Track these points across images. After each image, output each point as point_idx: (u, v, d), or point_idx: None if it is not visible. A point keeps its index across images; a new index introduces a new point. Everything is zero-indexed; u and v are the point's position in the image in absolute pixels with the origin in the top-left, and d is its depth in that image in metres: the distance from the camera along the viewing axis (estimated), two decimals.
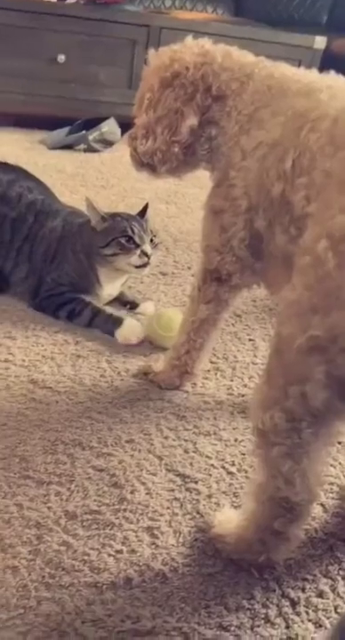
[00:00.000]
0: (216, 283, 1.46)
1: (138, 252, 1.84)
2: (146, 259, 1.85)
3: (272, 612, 1.06)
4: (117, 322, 1.81)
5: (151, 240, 1.88)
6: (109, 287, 1.95)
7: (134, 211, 1.98)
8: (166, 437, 1.43)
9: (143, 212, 1.96)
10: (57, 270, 1.90)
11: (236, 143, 1.32)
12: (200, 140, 1.44)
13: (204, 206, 1.44)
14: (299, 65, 1.35)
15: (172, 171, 1.51)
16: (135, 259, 1.84)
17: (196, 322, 1.53)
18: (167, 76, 1.41)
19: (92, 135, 3.77)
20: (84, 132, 3.79)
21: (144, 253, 1.84)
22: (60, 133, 3.81)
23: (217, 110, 1.38)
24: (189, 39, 1.47)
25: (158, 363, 1.66)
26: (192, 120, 1.40)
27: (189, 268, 2.30)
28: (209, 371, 1.71)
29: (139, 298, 2.05)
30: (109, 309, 1.88)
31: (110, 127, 3.83)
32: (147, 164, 1.51)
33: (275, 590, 1.10)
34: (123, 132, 3.78)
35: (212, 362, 1.75)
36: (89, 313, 1.83)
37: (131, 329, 1.80)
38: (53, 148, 3.70)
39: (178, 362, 1.59)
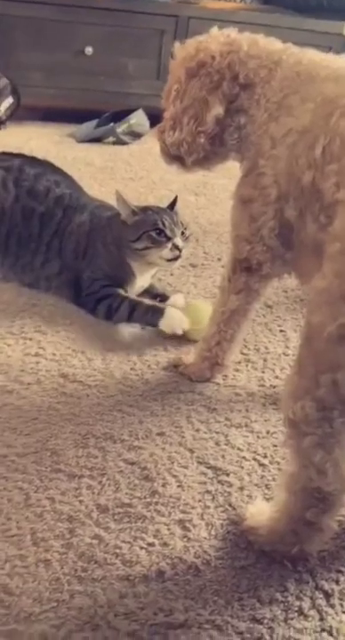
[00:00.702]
0: (246, 273, 1.45)
1: (169, 245, 1.83)
2: (177, 252, 1.84)
3: (306, 605, 1.05)
4: (159, 312, 1.79)
5: (182, 233, 1.88)
6: (141, 279, 1.94)
7: (164, 203, 1.98)
8: (197, 430, 1.43)
9: (173, 205, 1.96)
10: (90, 266, 1.90)
11: (266, 131, 1.31)
12: (229, 130, 1.43)
13: (234, 196, 1.43)
14: (329, 52, 1.33)
15: (200, 162, 1.50)
16: (167, 252, 1.84)
17: (227, 313, 1.52)
18: (193, 65, 1.41)
19: (121, 127, 3.77)
20: (112, 124, 3.78)
21: (175, 246, 1.84)
22: (89, 126, 3.81)
23: (245, 98, 1.37)
24: (215, 29, 1.46)
25: (189, 355, 1.65)
26: (217, 109, 1.39)
27: (220, 259, 2.29)
28: (240, 362, 1.71)
29: (169, 290, 2.05)
30: (147, 300, 1.87)
31: (139, 119, 3.83)
32: (176, 156, 1.51)
33: (308, 582, 1.10)
34: (151, 124, 3.78)
35: (242, 353, 1.74)
36: (127, 307, 1.82)
37: (175, 318, 1.78)
38: (82, 141, 3.71)
39: (208, 353, 1.59)
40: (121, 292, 1.87)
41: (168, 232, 1.84)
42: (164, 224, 1.84)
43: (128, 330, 1.81)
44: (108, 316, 1.83)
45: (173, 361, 1.67)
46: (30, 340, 1.72)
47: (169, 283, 2.11)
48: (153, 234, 1.83)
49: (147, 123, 3.84)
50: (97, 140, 3.73)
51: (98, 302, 1.85)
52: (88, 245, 1.93)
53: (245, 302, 1.51)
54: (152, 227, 1.84)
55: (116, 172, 3.18)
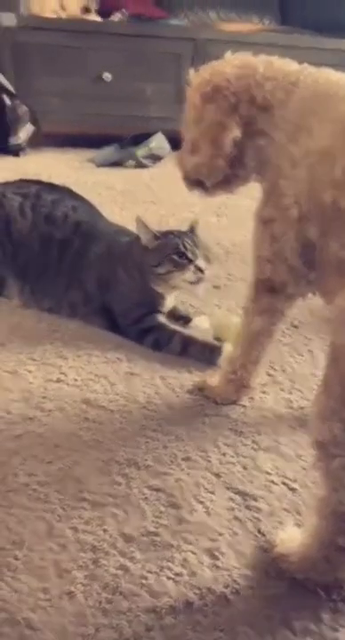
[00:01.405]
0: (270, 293, 1.44)
1: (191, 267, 1.83)
2: (200, 274, 1.83)
3: (342, 636, 1.01)
4: (216, 350, 1.78)
5: (205, 255, 1.87)
6: (168, 300, 1.95)
7: (185, 225, 1.97)
8: (224, 454, 1.41)
9: (193, 228, 1.95)
10: (117, 296, 1.90)
11: (285, 152, 1.31)
12: (248, 152, 1.42)
13: (255, 217, 1.42)
14: None
15: (221, 185, 1.50)
16: (189, 275, 1.83)
17: (251, 334, 1.51)
18: (208, 90, 1.41)
19: (141, 151, 3.80)
20: (132, 148, 3.81)
21: (198, 269, 1.83)
22: (109, 151, 3.84)
23: (264, 121, 1.37)
24: (229, 54, 1.46)
25: (213, 377, 1.64)
26: (235, 132, 1.38)
27: (243, 280, 2.26)
28: (266, 384, 1.68)
29: (192, 312, 2.03)
30: (198, 334, 1.86)
31: (158, 142, 3.85)
32: (197, 181, 1.50)
33: (344, 612, 1.06)
34: (171, 147, 3.80)
35: (269, 374, 1.72)
36: (179, 342, 1.81)
37: None
38: (102, 165, 3.73)
39: (234, 376, 1.57)
40: (163, 319, 1.88)
41: (190, 254, 1.83)
42: (185, 247, 1.83)
43: (151, 352, 1.80)
44: (156, 347, 1.83)
45: (198, 384, 1.65)
46: (52, 365, 1.71)
47: (192, 304, 2.10)
48: (175, 257, 1.83)
49: (167, 146, 3.86)
50: (117, 164, 3.75)
51: (144, 333, 1.84)
52: (110, 274, 1.92)
53: (270, 323, 1.49)
54: (174, 250, 1.83)
55: (136, 195, 3.19)
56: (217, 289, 2.22)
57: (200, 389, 1.63)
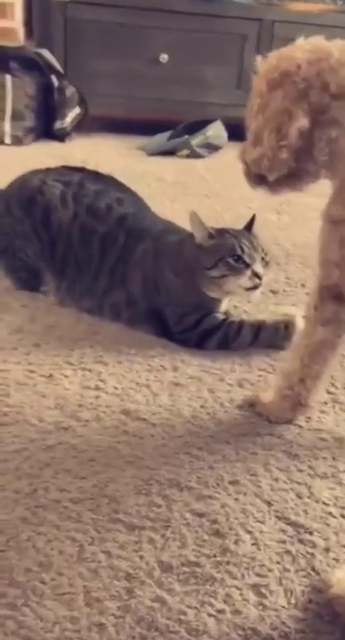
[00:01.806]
0: (336, 301, 1.42)
1: (248, 272, 1.82)
2: (257, 280, 1.82)
3: None
4: (291, 324, 1.84)
5: (262, 258, 1.86)
6: (223, 304, 1.95)
7: (242, 222, 1.96)
8: (276, 479, 1.39)
9: (250, 225, 1.93)
10: (169, 300, 1.89)
11: None
12: (319, 144, 1.40)
13: (323, 216, 1.41)
14: None
15: (288, 182, 1.49)
16: (245, 280, 1.82)
17: (312, 346, 1.49)
18: (275, 76, 1.40)
19: (196, 139, 3.80)
20: (186, 136, 3.81)
21: (255, 274, 1.82)
22: (161, 138, 3.84)
23: (338, 109, 1.36)
24: (301, 40, 1.45)
25: (267, 392, 1.62)
26: (302, 121, 1.37)
27: (304, 285, 2.26)
28: (326, 403, 1.66)
29: (246, 318, 2.00)
30: (266, 317, 1.91)
31: (216, 130, 3.85)
32: (260, 177, 1.49)
33: None
34: (230, 136, 3.78)
35: (329, 392, 1.70)
36: (249, 330, 1.85)
37: None
38: (153, 154, 3.75)
39: (290, 392, 1.55)
40: (223, 315, 1.90)
41: (247, 258, 1.82)
42: (242, 249, 1.82)
43: (199, 362, 1.79)
44: (224, 345, 1.85)
45: (250, 399, 1.64)
46: (90, 371, 1.71)
47: (246, 310, 2.08)
48: (230, 260, 1.81)
49: (225, 135, 3.86)
50: (169, 152, 3.76)
51: (207, 336, 1.85)
52: (157, 276, 1.91)
53: (334, 335, 1.47)
54: (229, 252, 1.82)
55: (189, 187, 3.19)
56: (274, 294, 2.21)
57: (251, 405, 1.62)
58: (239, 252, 1.82)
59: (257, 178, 1.50)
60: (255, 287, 1.83)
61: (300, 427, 1.57)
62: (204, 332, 1.85)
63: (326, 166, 1.43)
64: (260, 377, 1.76)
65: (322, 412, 1.63)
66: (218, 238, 1.85)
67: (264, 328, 1.85)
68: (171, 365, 1.76)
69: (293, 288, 2.25)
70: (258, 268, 1.82)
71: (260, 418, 1.59)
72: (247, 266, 1.82)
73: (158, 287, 1.90)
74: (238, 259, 1.81)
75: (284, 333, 1.84)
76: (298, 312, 1.86)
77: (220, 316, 1.89)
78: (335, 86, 1.34)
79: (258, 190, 1.54)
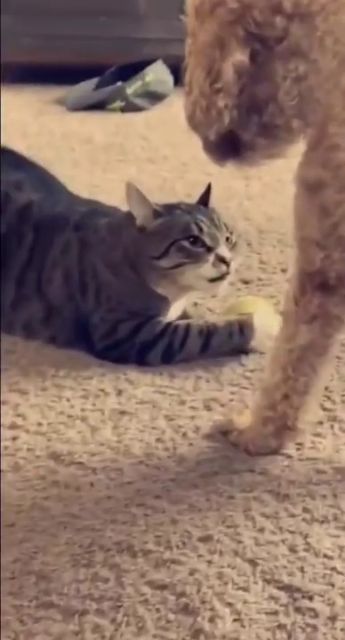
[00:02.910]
0: (321, 292, 1.43)
1: (211, 258, 1.83)
2: (224, 267, 1.83)
3: None
4: (247, 324, 1.84)
5: (227, 238, 1.87)
6: (175, 308, 1.95)
7: (198, 194, 1.96)
8: (261, 530, 1.38)
9: (206, 198, 1.95)
10: (100, 305, 1.90)
11: (337, 84, 1.32)
12: (283, 85, 1.39)
13: (295, 181, 1.42)
14: None
15: (262, 146, 1.48)
16: (208, 269, 1.83)
17: (296, 351, 1.49)
18: (205, 4, 1.39)
19: (132, 87, 3.82)
20: (119, 83, 3.82)
21: (221, 259, 1.83)
22: (86, 88, 3.85)
23: (301, 36, 1.35)
24: None
25: (243, 415, 1.63)
26: (237, 56, 1.35)
27: (284, 270, 2.25)
28: (321, 422, 1.67)
29: (211, 319, 2.02)
30: (219, 318, 1.93)
31: (157, 74, 3.87)
32: (224, 146, 1.48)
33: None
34: (177, 80, 3.78)
35: (325, 409, 1.71)
36: (197, 336, 1.85)
37: (269, 325, 1.80)
38: (76, 108, 3.75)
39: (272, 412, 1.55)
40: (165, 321, 1.90)
41: (207, 239, 1.83)
42: (200, 228, 1.83)
43: (150, 380, 1.80)
44: (167, 358, 1.86)
45: (221, 425, 1.65)
46: (4, 404, 1.71)
47: (210, 309, 2.10)
48: (185, 244, 1.82)
49: (169, 79, 3.88)
50: (98, 106, 3.77)
51: (147, 348, 1.86)
52: (85, 274, 1.92)
53: (323, 335, 1.48)
54: (183, 234, 1.83)
55: (127, 150, 3.21)
56: (246, 284, 2.22)
57: (224, 433, 1.63)
58: (196, 231, 1.82)
59: (219, 148, 1.49)
60: (222, 277, 1.84)
61: (290, 457, 1.57)
62: (143, 345, 1.85)
63: (295, 114, 1.42)
64: (233, 395, 1.76)
65: (316, 435, 1.63)
66: (166, 216, 1.86)
67: (215, 332, 1.84)
68: (113, 388, 1.77)
69: (270, 275, 2.27)
70: (223, 251, 1.83)
71: (237, 449, 1.59)
72: (209, 250, 1.82)
73: (86, 288, 1.91)
74: (196, 241, 1.82)
75: (239, 338, 1.84)
76: (259, 304, 1.90)
77: (162, 322, 1.89)
78: (290, 4, 1.33)
79: (226, 166, 1.56)
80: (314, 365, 1.50)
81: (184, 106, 1.49)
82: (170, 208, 1.88)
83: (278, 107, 1.41)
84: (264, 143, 1.47)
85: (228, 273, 1.84)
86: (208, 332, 1.84)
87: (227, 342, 1.84)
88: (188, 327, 1.86)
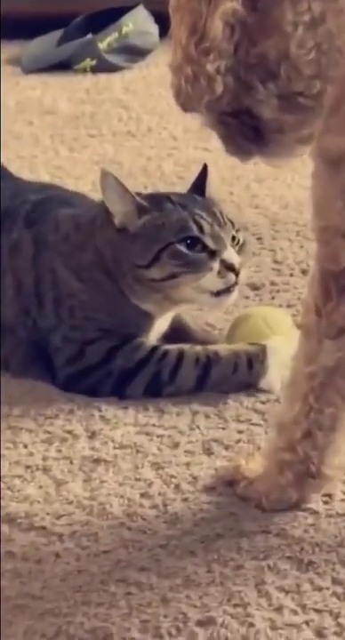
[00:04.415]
0: None
1: (215, 265, 1.83)
2: (232, 276, 1.84)
3: None
4: (259, 354, 1.83)
5: (233, 238, 1.88)
6: (160, 323, 1.97)
7: (192, 177, 1.96)
8: (279, 609, 1.37)
9: (201, 183, 1.96)
10: (61, 318, 1.91)
11: None
12: (295, 34, 1.39)
13: (313, 154, 1.43)
14: None
15: (292, 129, 1.48)
16: (212, 279, 1.84)
17: (319, 374, 1.49)
18: None
19: (106, 41, 3.82)
20: (89, 35, 3.82)
21: (228, 267, 1.83)
22: (47, 43, 3.85)
23: None
24: None
25: (254, 460, 1.64)
26: (228, 4, 1.35)
27: (304, 271, 2.28)
28: None
29: (213, 333, 2.05)
30: (221, 346, 1.91)
31: (138, 24, 3.89)
32: (240, 129, 1.49)
33: None
34: (163, 31, 3.78)
35: None
36: (192, 365, 1.85)
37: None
38: (34, 69, 3.76)
39: (291, 455, 1.55)
40: (151, 342, 1.91)
41: (210, 241, 1.83)
42: (200, 227, 1.84)
43: (133, 417, 1.81)
44: (153, 391, 1.86)
45: (225, 473, 1.65)
46: None
47: (209, 324, 2.11)
48: (182, 248, 1.83)
49: (154, 29, 3.89)
50: (62, 66, 3.77)
51: (125, 378, 1.86)
52: (40, 280, 1.92)
53: None
54: (179, 235, 1.83)
55: (100, 122, 3.22)
56: (256, 291, 2.24)
57: (230, 484, 1.63)
58: (195, 231, 1.83)
59: (237, 136, 1.49)
60: (229, 289, 1.84)
61: (315, 513, 1.57)
62: (121, 373, 1.85)
63: (317, 72, 1.42)
64: (241, 434, 1.76)
65: None
66: (154, 212, 1.86)
67: (217, 363, 1.84)
68: (84, 429, 1.77)
69: (287, 277, 2.28)
70: (231, 255, 1.83)
71: (246, 504, 1.59)
72: (212, 255, 1.83)
73: (42, 299, 1.91)
74: (195, 243, 1.83)
75: (246, 373, 1.83)
76: (274, 320, 1.89)
77: (145, 344, 1.89)
78: None
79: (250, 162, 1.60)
80: (342, 392, 1.50)
81: (171, 83, 1.49)
82: (158, 201, 1.89)
83: (293, 66, 1.41)
84: (292, 120, 1.47)
85: (236, 283, 1.84)
86: (207, 362, 1.84)
87: (230, 377, 1.83)
88: (181, 354, 1.85)
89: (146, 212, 1.85)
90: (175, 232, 1.82)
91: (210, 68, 1.38)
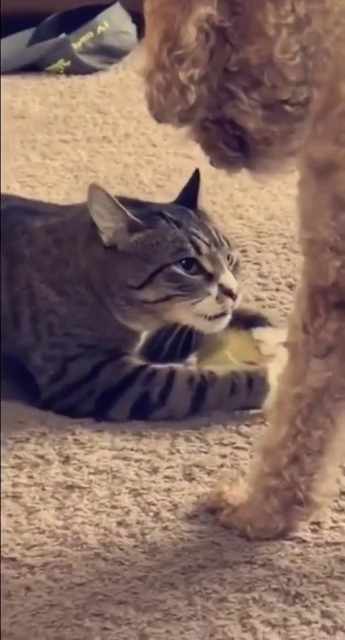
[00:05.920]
0: (338, 314, 1.44)
1: (213, 290, 1.84)
2: (230, 301, 1.85)
3: None
4: (260, 376, 1.83)
5: (227, 257, 1.89)
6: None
7: (180, 186, 1.96)
8: None
9: (192, 195, 1.97)
10: (39, 336, 1.91)
11: None
12: (279, 37, 1.40)
13: (299, 161, 1.45)
14: None
15: (280, 142, 1.50)
16: (210, 304, 1.85)
17: (307, 395, 1.49)
18: None
19: (80, 41, 3.83)
20: (63, 35, 3.83)
21: (226, 292, 1.84)
22: (16, 43, 3.86)
23: None
24: None
25: (238, 486, 1.64)
26: (202, 10, 1.37)
27: (291, 286, 2.29)
28: None
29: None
30: (218, 368, 1.90)
31: (114, 23, 3.89)
32: (225, 142, 1.52)
33: None
34: (140, 32, 3.80)
35: None
36: (186, 386, 1.85)
37: None
38: (4, 70, 3.75)
39: (278, 481, 1.55)
40: (133, 360, 1.90)
41: (207, 264, 1.85)
42: (197, 247, 1.85)
43: (109, 441, 1.81)
44: (141, 413, 1.86)
45: (208, 499, 1.66)
46: None
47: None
48: (178, 270, 1.83)
49: (131, 28, 3.90)
50: (34, 67, 3.78)
51: (109, 398, 1.86)
52: (15, 297, 1.92)
53: (342, 372, 1.48)
54: (175, 256, 1.84)
55: (74, 127, 3.21)
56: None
57: (213, 512, 1.63)
58: (193, 252, 1.83)
59: (222, 148, 1.51)
60: (224, 313, 1.85)
61: (303, 542, 1.57)
62: (105, 393, 1.85)
63: (303, 77, 1.43)
64: (224, 459, 1.76)
65: (340, 511, 1.64)
66: (147, 230, 1.86)
67: (212, 384, 1.84)
68: (57, 454, 1.77)
69: (272, 292, 2.30)
70: (228, 279, 1.84)
71: (230, 533, 1.59)
72: (210, 277, 1.83)
73: (18, 316, 1.91)
74: (190, 265, 1.83)
75: (245, 395, 1.83)
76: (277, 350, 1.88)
77: (132, 362, 1.89)
78: None
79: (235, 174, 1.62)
80: (331, 415, 1.51)
81: (144, 92, 1.50)
82: (150, 217, 1.88)
83: (277, 72, 1.43)
84: (278, 131, 1.48)
85: (232, 308, 1.85)
86: (202, 383, 1.84)
87: (228, 399, 1.83)
88: (171, 373, 1.85)
89: (138, 229, 1.85)
90: (171, 253, 1.83)
91: (182, 76, 1.39)
